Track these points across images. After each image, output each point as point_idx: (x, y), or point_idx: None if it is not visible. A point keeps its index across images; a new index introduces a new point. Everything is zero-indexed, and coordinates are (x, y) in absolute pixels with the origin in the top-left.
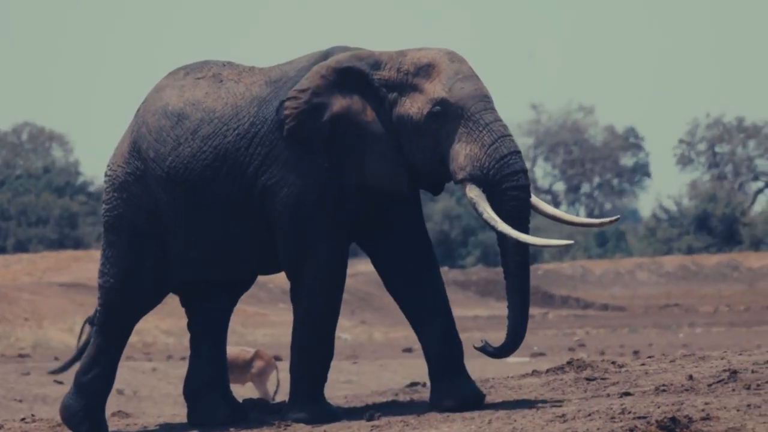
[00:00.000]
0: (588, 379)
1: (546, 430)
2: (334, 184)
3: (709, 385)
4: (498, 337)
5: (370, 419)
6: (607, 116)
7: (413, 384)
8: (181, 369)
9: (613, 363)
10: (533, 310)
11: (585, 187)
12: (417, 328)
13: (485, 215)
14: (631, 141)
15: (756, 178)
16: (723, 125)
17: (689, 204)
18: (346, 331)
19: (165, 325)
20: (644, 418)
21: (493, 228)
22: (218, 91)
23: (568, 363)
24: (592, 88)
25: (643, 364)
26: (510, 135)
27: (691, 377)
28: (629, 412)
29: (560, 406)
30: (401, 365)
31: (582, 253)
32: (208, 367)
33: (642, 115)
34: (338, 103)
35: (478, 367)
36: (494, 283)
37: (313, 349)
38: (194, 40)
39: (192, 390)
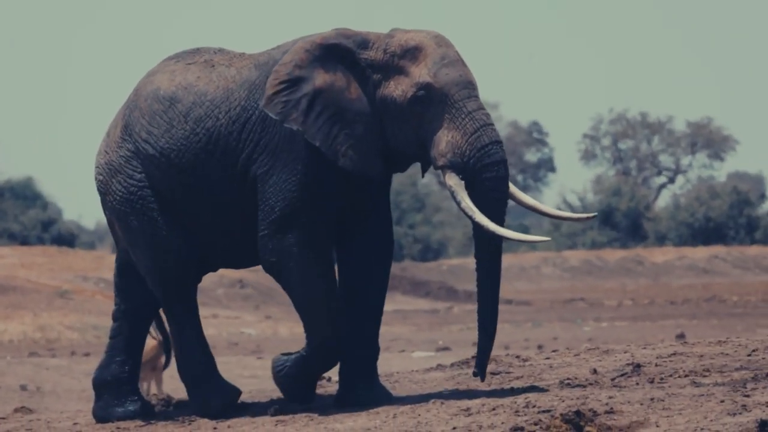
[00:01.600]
0: (492, 373)
1: (450, 424)
2: (317, 170)
3: (613, 379)
4: (401, 331)
5: (274, 414)
6: (511, 111)
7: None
8: (85, 365)
9: (518, 357)
10: (437, 305)
11: None
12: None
13: (463, 204)
14: (535, 136)
15: (659, 173)
16: (627, 120)
17: (593, 199)
18: (251, 326)
19: (68, 321)
20: (549, 411)
21: (470, 218)
22: (210, 74)
23: (473, 357)
24: (496, 84)
25: (547, 358)
26: (492, 124)
27: (595, 371)
28: (534, 406)
29: (465, 400)
30: None
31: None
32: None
33: (546, 110)
34: (321, 78)
35: (382, 361)
36: (399, 278)
37: (318, 344)
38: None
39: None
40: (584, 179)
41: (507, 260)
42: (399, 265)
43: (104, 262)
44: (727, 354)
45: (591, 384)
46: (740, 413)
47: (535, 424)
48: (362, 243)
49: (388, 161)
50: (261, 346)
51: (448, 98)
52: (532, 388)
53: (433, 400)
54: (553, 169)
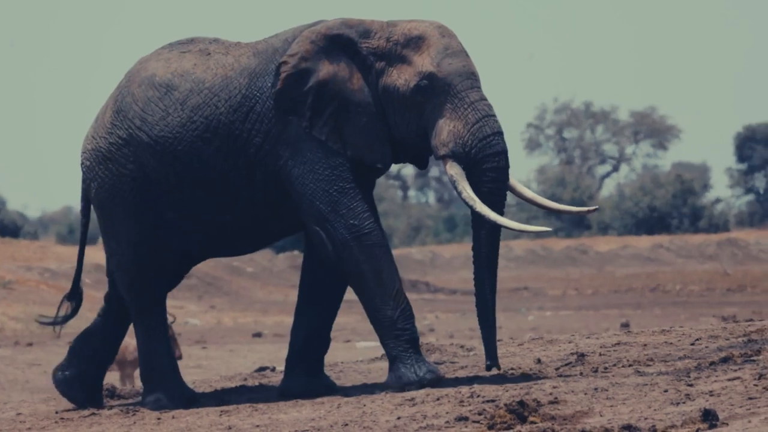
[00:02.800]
0: (437, 363)
1: (395, 414)
2: (334, 154)
3: (557, 369)
4: (346, 321)
5: (218, 404)
6: None
7: (262, 369)
8: (29, 355)
9: (462, 347)
10: None
11: (434, 171)
12: (297, 313)
13: (464, 194)
14: None
15: (603, 163)
16: (571, 110)
17: (538, 188)
18: (195, 316)
19: (12, 312)
20: (493, 401)
21: (471, 207)
22: (207, 62)
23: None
24: None
25: None
26: (494, 115)
27: (539, 360)
28: (478, 396)
29: (409, 390)
30: (250, 350)
31: (431, 238)
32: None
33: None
34: (325, 69)
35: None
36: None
37: (388, 313)
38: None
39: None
40: (528, 169)
41: (451, 250)
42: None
43: (48, 252)
44: (670, 343)
45: (535, 374)
46: (684, 402)
47: (480, 414)
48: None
49: (392, 148)
50: (205, 336)
51: (450, 88)
52: (477, 378)
53: (377, 391)
54: None
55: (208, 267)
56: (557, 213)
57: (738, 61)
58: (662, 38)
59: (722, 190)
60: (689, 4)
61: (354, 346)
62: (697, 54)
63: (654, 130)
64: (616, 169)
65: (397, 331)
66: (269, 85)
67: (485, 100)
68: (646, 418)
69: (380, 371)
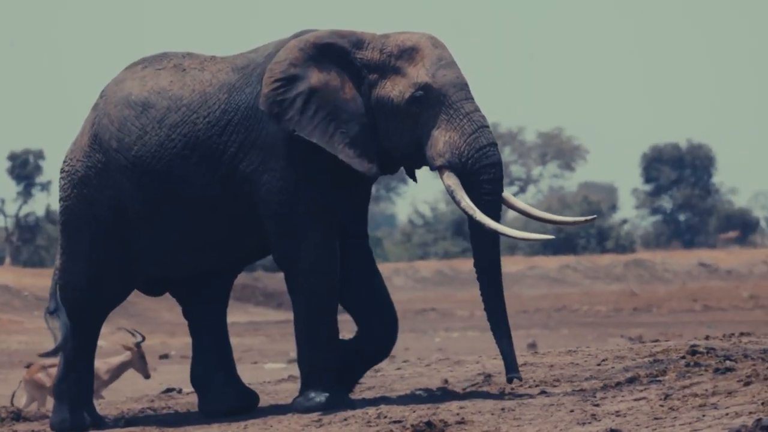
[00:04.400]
0: None
1: None
2: (311, 165)
3: (464, 389)
4: (253, 342)
5: (125, 425)
6: None
7: (169, 390)
8: None
9: None
10: (289, 315)
11: None
12: (359, 322)
13: (463, 204)
14: None
15: (511, 184)
16: None
17: (445, 209)
18: (102, 338)
19: None
20: (400, 422)
21: (470, 217)
22: (183, 78)
23: None
24: None
25: (398, 369)
26: (488, 126)
27: (446, 381)
28: (385, 417)
29: (316, 410)
30: (157, 372)
31: None
32: (211, 356)
33: None
34: (316, 77)
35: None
36: (252, 288)
37: (318, 337)
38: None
39: (199, 379)
40: (436, 190)
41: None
42: (251, 276)
43: None
44: (577, 364)
45: (442, 394)
46: (590, 422)
47: None
48: (348, 258)
49: (381, 159)
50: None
51: (446, 99)
52: (384, 399)
53: (285, 411)
54: (405, 180)
55: None
56: (553, 224)
57: (644, 81)
58: (568, 59)
59: (629, 211)
60: (594, 25)
61: (261, 367)
62: (603, 74)
63: (561, 150)
64: (523, 190)
65: (314, 360)
66: (248, 98)
67: (479, 111)
68: None
69: (287, 392)
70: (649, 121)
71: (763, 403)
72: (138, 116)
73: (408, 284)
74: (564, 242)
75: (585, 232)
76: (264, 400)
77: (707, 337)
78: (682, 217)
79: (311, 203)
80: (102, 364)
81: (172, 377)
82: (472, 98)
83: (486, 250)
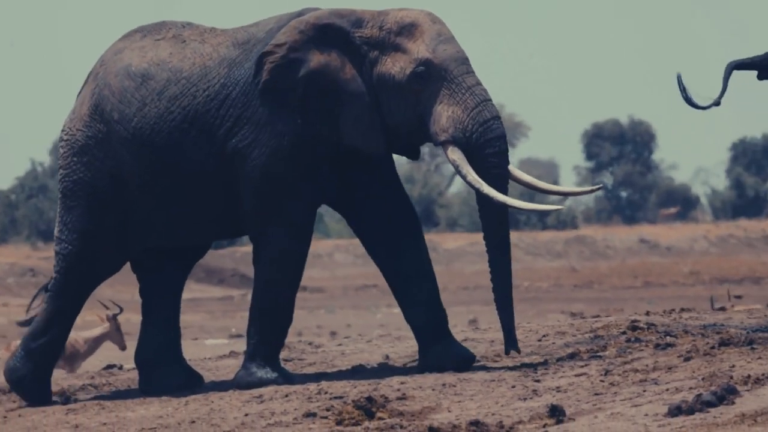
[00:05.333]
0: (285, 360)
1: (243, 410)
2: (307, 146)
3: (405, 365)
4: (194, 319)
5: (65, 402)
6: None
7: (110, 366)
8: None
9: (310, 344)
10: (231, 292)
11: None
12: (399, 296)
13: (469, 177)
14: None
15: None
16: None
17: None
18: None
19: None
20: (341, 398)
21: (477, 191)
22: (183, 51)
23: None
24: None
25: (339, 345)
26: (491, 99)
27: (387, 357)
28: (326, 392)
29: (258, 386)
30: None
31: None
32: (161, 335)
33: None
34: (316, 59)
35: None
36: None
37: (275, 314)
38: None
39: (145, 358)
40: None
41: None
42: None
43: None
44: (518, 339)
45: (383, 370)
46: (531, 398)
47: (328, 410)
48: (383, 221)
49: (387, 136)
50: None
51: (447, 74)
52: (325, 375)
53: (226, 388)
54: None
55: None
56: (560, 196)
57: (586, 58)
58: (509, 35)
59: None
60: (535, 1)
61: (203, 343)
62: (544, 51)
63: None
64: None
65: (265, 335)
66: (247, 73)
67: (481, 84)
68: (493, 414)
69: (228, 368)
70: (591, 97)
71: (703, 379)
72: (138, 88)
73: (349, 260)
74: None
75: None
76: (205, 377)
77: (648, 313)
78: (623, 194)
79: (293, 183)
80: (80, 337)
81: (113, 354)
82: (473, 72)
83: (495, 224)
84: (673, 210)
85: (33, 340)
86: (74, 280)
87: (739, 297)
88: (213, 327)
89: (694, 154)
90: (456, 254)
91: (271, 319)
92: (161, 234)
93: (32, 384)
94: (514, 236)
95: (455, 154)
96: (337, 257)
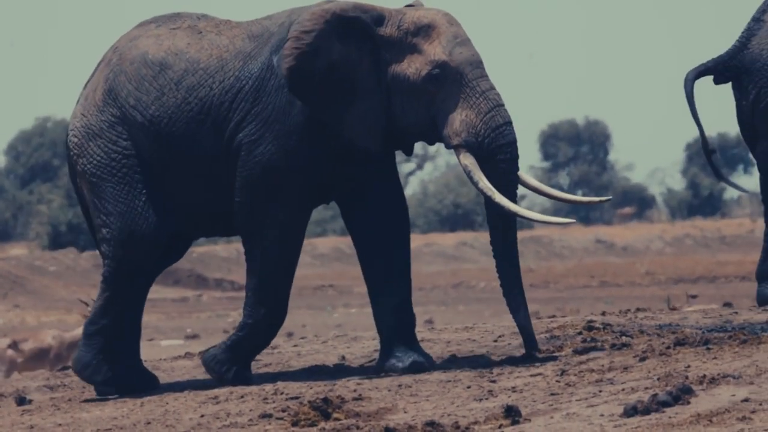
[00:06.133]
0: None
1: (198, 412)
2: (312, 145)
3: (362, 366)
4: (149, 320)
5: (20, 403)
6: None
7: (65, 368)
8: None
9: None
10: (187, 293)
11: None
12: (374, 293)
13: (481, 184)
14: None
15: (408, 160)
16: None
17: None
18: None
19: None
20: (297, 398)
21: (489, 198)
22: (200, 41)
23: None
24: None
25: (295, 345)
26: (504, 105)
27: (343, 358)
28: (282, 393)
29: (213, 388)
30: None
31: (236, 237)
32: (123, 335)
33: None
34: (338, 51)
35: None
36: None
37: (265, 314)
38: None
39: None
40: None
41: None
42: None
43: None
44: (474, 340)
45: (339, 371)
46: (487, 398)
47: (284, 411)
48: (375, 216)
49: (392, 138)
50: (8, 335)
51: (462, 77)
52: (281, 375)
53: (181, 389)
54: None
55: (11, 266)
56: (566, 203)
57: (540, 58)
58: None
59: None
60: (488, 1)
61: (158, 344)
62: (501, 51)
63: None
64: (420, 167)
65: (253, 329)
66: (261, 67)
67: (495, 89)
68: (449, 414)
69: (184, 369)
70: (547, 98)
71: (658, 379)
72: (155, 77)
73: (306, 261)
74: (462, 218)
75: (482, 208)
76: (161, 378)
77: (604, 313)
78: (579, 193)
79: (293, 181)
80: (65, 337)
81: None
82: (487, 76)
83: (503, 230)
84: (629, 210)
85: (91, 325)
86: (122, 262)
87: (694, 297)
88: (168, 328)
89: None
90: (412, 255)
91: (257, 320)
92: (178, 221)
93: (97, 369)
94: (468, 236)
95: (468, 159)
96: None
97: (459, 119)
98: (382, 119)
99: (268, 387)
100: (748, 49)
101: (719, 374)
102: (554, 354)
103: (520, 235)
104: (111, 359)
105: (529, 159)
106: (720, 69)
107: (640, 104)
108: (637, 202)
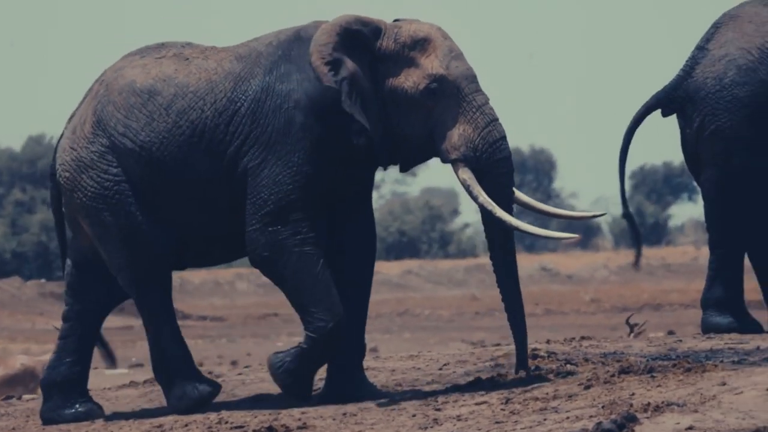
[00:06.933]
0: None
1: None
2: (312, 158)
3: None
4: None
5: None
6: None
7: (8, 397)
8: None
9: (210, 373)
10: (130, 321)
11: None
12: None
13: (481, 199)
14: None
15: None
16: None
17: None
18: None
19: None
20: (241, 427)
21: (489, 213)
22: (188, 67)
23: None
24: None
25: (240, 374)
26: (499, 119)
27: None
28: (226, 422)
29: (158, 416)
30: None
31: (186, 268)
32: (74, 362)
33: None
34: (350, 64)
35: None
36: None
37: (323, 324)
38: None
39: (52, 381)
40: None
41: (200, 276)
42: None
43: None
44: (419, 368)
45: (284, 399)
46: (431, 427)
47: None
48: (348, 239)
49: (390, 151)
50: None
51: (459, 91)
52: (225, 404)
53: (126, 417)
54: None
55: None
56: (556, 218)
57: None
58: None
59: (471, 215)
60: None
61: (102, 373)
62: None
63: None
64: None
65: (314, 343)
66: (255, 90)
67: (489, 103)
68: None
69: (128, 398)
70: None
71: (603, 407)
72: (145, 104)
73: (251, 289)
74: (407, 246)
75: (427, 236)
76: (106, 407)
77: (548, 341)
78: (525, 221)
79: (303, 197)
80: (38, 362)
81: None
82: (482, 90)
83: (501, 245)
84: (574, 238)
85: (162, 365)
86: (148, 288)
87: (637, 324)
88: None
89: (594, 183)
90: None
91: (324, 325)
92: (173, 249)
93: (180, 385)
94: (414, 264)
95: (466, 174)
96: (238, 286)
97: (457, 133)
98: (379, 131)
99: (213, 416)
100: (692, 78)
101: (664, 402)
102: (499, 382)
103: (464, 262)
104: (197, 370)
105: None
106: (665, 101)
107: (584, 133)
108: (582, 231)
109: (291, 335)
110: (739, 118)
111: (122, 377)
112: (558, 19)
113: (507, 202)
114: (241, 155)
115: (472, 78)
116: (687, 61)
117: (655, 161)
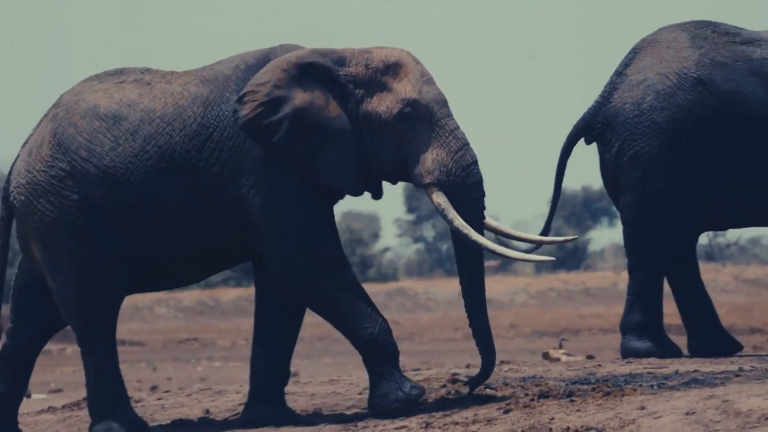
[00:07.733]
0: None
1: None
2: (306, 185)
3: (226, 419)
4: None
5: None
6: None
7: None
8: None
9: (130, 398)
10: (50, 346)
11: None
12: (256, 346)
13: (456, 222)
14: None
15: None
16: None
17: None
18: None
19: None
20: None
21: (464, 237)
22: (152, 91)
23: (84, 399)
24: None
25: (159, 399)
26: (469, 143)
27: (208, 411)
28: None
29: None
30: None
31: None
32: (9, 387)
33: None
34: (300, 97)
35: None
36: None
37: (371, 331)
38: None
39: None
40: None
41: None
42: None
43: None
44: (339, 393)
45: (204, 424)
46: None
47: None
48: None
49: (367, 177)
50: None
51: (431, 115)
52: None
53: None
54: None
55: None
56: (528, 242)
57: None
58: None
59: (391, 239)
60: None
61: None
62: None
63: None
64: None
65: (378, 348)
66: (225, 115)
67: (460, 128)
68: None
69: (47, 423)
70: None
71: (522, 431)
72: (109, 128)
73: (170, 314)
74: None
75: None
76: None
77: (468, 366)
78: (443, 247)
79: (303, 210)
80: None
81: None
82: (452, 115)
83: (471, 268)
84: (493, 263)
85: (100, 398)
86: (95, 320)
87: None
88: (32, 382)
89: (512, 207)
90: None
91: (369, 336)
92: (141, 272)
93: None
94: None
95: (440, 198)
96: (157, 310)
97: (431, 158)
98: (358, 161)
99: None
100: (610, 103)
101: (583, 426)
102: (419, 406)
103: (385, 286)
104: (132, 411)
105: (394, 212)
106: (585, 129)
107: (503, 156)
108: (502, 255)
109: (211, 359)
110: (657, 143)
111: (42, 402)
112: (558, 19)
113: (479, 225)
114: (222, 182)
115: (444, 102)
116: (606, 86)
117: (574, 186)
